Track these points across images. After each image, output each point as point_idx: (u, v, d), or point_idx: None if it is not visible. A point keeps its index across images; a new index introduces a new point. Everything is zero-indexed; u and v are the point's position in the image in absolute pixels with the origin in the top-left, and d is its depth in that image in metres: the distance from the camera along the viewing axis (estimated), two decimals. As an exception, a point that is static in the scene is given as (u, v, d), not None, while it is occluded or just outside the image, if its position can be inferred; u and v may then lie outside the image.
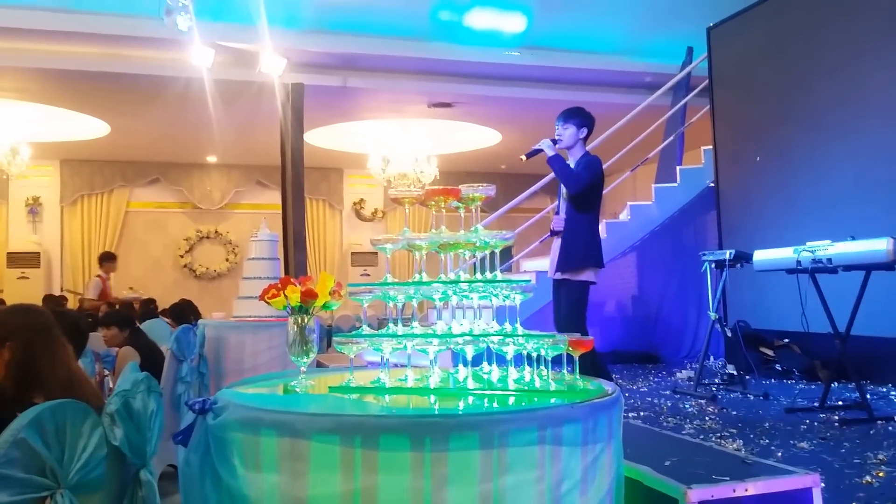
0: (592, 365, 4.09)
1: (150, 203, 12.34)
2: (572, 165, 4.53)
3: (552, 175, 6.18)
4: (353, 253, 13.00)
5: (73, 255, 11.84)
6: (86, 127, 9.75)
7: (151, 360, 4.69)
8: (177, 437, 1.81)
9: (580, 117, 4.51)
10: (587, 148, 4.57)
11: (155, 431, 2.20)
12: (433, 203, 2.02)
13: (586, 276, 4.31)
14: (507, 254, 7.47)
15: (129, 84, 7.84)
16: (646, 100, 7.88)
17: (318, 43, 7.59)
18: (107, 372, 5.26)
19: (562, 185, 4.50)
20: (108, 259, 9.45)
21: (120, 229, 12.05)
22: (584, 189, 4.32)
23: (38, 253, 11.45)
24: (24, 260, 11.33)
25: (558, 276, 4.39)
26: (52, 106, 8.84)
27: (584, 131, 4.50)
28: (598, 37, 8.09)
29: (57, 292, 10.80)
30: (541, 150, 4.43)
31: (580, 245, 4.34)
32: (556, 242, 4.51)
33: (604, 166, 4.57)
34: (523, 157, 4.51)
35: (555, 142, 4.48)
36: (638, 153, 8.10)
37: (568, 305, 4.32)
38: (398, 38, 7.72)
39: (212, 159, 12.11)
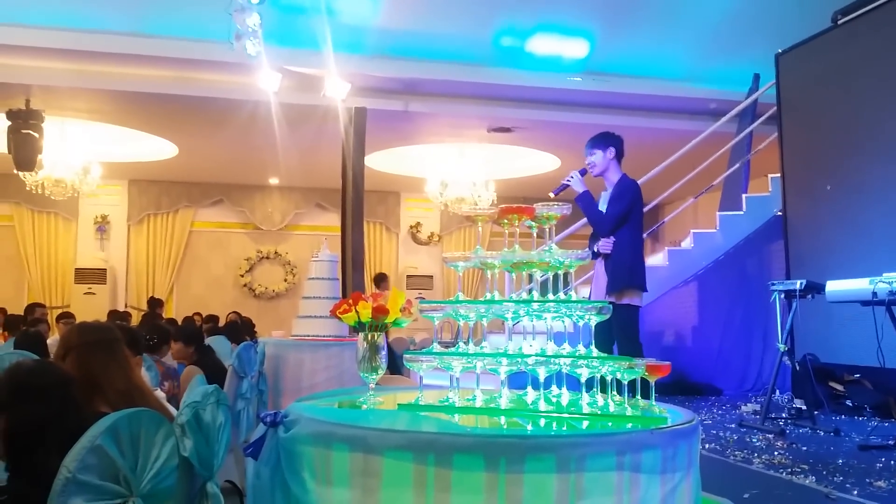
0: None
1: (213, 223, 12.63)
2: (609, 189, 4.53)
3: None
4: (408, 276, 13.06)
5: (138, 272, 12.16)
6: (155, 148, 10.07)
7: (215, 379, 4.76)
8: (247, 450, 1.81)
9: (605, 140, 4.56)
10: (633, 172, 4.57)
11: (223, 444, 2.21)
12: (506, 221, 2.00)
13: (631, 299, 4.31)
14: (564, 281, 7.38)
15: (198, 107, 8.07)
16: (710, 127, 7.75)
17: (381, 68, 7.69)
18: (176, 387, 5.35)
19: (601, 202, 4.53)
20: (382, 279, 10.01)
21: (184, 248, 12.36)
22: (613, 225, 4.38)
23: (105, 269, 11.80)
24: (91, 276, 11.68)
25: (605, 299, 4.36)
26: (124, 127, 9.15)
27: (612, 151, 4.52)
28: (661, 62, 8.02)
29: (121, 308, 11.10)
30: (568, 185, 4.45)
31: (624, 268, 4.36)
32: (599, 267, 4.50)
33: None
34: (552, 194, 4.50)
35: (584, 171, 4.50)
36: (701, 180, 7.95)
37: (620, 332, 4.30)
38: (460, 64, 7.78)
39: (274, 181, 12.36)
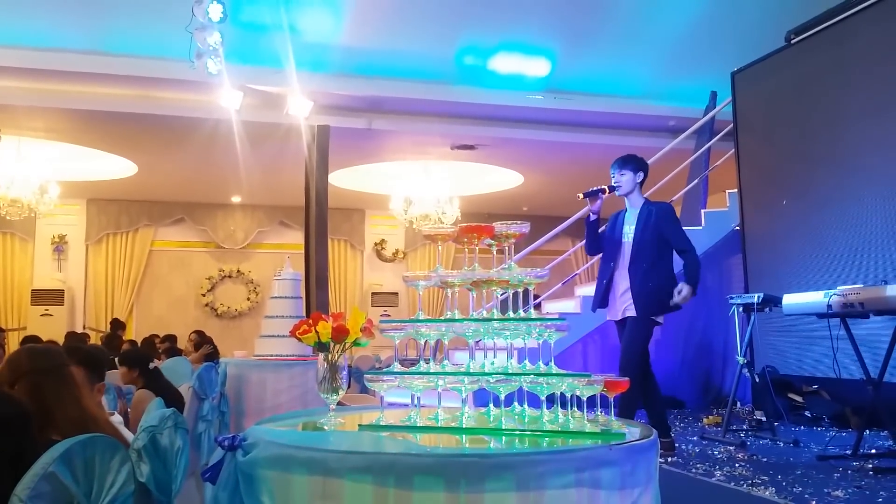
0: (658, 416, 4.20)
1: (175, 242, 12.46)
2: (630, 210, 4.65)
3: (574, 217, 6.20)
4: (373, 293, 13.01)
5: (97, 293, 11.93)
6: (114, 167, 9.92)
7: (169, 402, 4.67)
8: (205, 474, 1.78)
9: (635, 163, 4.65)
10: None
11: (181, 469, 2.18)
12: (466, 240, 2.01)
13: (658, 317, 4.52)
14: (525, 296, 7.42)
15: (158, 125, 7.98)
16: (669, 143, 7.89)
17: (345, 86, 7.70)
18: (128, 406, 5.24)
19: (627, 235, 4.58)
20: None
21: (144, 268, 12.16)
22: (699, 262, 4.56)
23: (63, 290, 11.56)
24: (48, 297, 11.44)
25: (629, 314, 4.48)
26: (81, 146, 9.00)
27: (641, 175, 4.64)
28: (621, 80, 8.15)
29: (80, 329, 10.87)
30: (597, 193, 4.48)
31: (663, 289, 4.47)
32: (622, 284, 4.56)
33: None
34: (581, 196, 4.56)
35: (612, 188, 4.57)
36: (661, 196, 8.04)
37: (629, 341, 4.38)
38: (423, 82, 7.82)
39: (236, 199, 12.25)
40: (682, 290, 4.48)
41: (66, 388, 2.26)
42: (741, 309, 5.65)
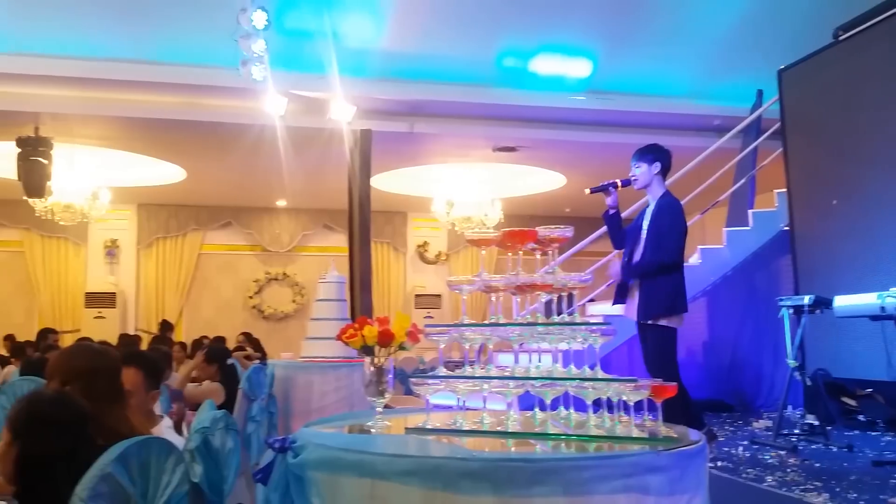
0: (688, 415, 4.04)
1: (222, 246, 12.70)
2: (651, 204, 4.46)
3: (631, 209, 6.10)
4: (416, 295, 13.07)
5: (148, 295, 12.22)
6: (163, 173, 10.16)
7: (234, 398, 4.85)
8: (257, 476, 1.82)
9: (653, 153, 4.44)
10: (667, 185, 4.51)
11: (232, 469, 2.23)
12: (509, 245, 2.02)
13: (669, 321, 4.23)
14: (569, 300, 7.37)
15: (205, 131, 8.15)
16: (715, 143, 7.78)
17: (386, 90, 7.76)
18: (184, 409, 5.37)
19: (644, 229, 4.43)
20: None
21: (193, 271, 12.42)
22: (658, 267, 4.23)
23: (115, 293, 11.87)
24: (101, 300, 11.75)
25: (642, 320, 4.33)
26: (132, 152, 9.24)
27: (658, 166, 4.41)
28: (664, 80, 8.06)
29: (131, 331, 11.14)
30: (607, 188, 4.39)
31: (668, 291, 4.23)
32: (635, 282, 4.42)
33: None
34: (588, 191, 4.48)
35: (627, 182, 4.44)
36: (707, 196, 7.96)
37: (656, 352, 4.24)
38: (464, 85, 7.84)
39: (281, 203, 12.43)
40: (615, 266, 4.38)
41: (115, 392, 2.31)
42: (791, 311, 5.54)
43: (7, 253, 11.91)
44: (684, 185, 7.63)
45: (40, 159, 7.61)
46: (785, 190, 7.22)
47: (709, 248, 7.58)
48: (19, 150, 7.61)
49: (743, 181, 7.79)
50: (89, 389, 2.21)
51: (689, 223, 8.58)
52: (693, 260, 7.61)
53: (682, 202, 4.58)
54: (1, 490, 2.28)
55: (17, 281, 11.88)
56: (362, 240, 7.98)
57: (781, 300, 5.63)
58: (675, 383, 1.81)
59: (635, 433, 1.77)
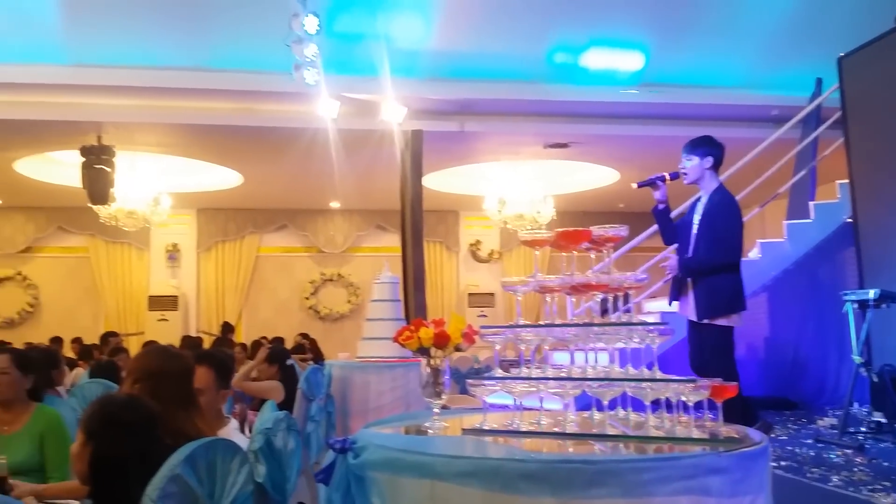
0: (742, 412, 3.95)
1: (279, 248, 12.94)
2: (703, 199, 4.36)
3: (673, 214, 6.00)
4: (470, 294, 13.09)
5: (208, 298, 12.54)
6: (221, 177, 10.41)
7: (294, 398, 4.96)
8: (319, 476, 1.86)
9: (705, 146, 4.31)
10: (721, 178, 4.40)
11: (294, 469, 2.28)
12: (563, 245, 2.02)
13: (730, 320, 4.14)
14: (625, 297, 7.27)
15: (261, 136, 8.31)
16: (773, 134, 7.57)
17: (437, 90, 7.79)
18: (245, 408, 5.50)
19: (695, 224, 4.33)
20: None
21: (251, 273, 12.69)
22: (718, 264, 4.12)
23: (177, 296, 12.20)
24: (163, 303, 12.09)
25: (699, 319, 4.23)
26: (191, 158, 9.49)
27: (710, 160, 4.28)
28: (719, 71, 7.90)
29: (193, 333, 11.43)
30: (654, 182, 4.29)
31: (725, 290, 4.14)
32: (689, 279, 4.33)
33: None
34: (634, 185, 4.41)
35: (676, 175, 4.33)
36: (766, 189, 7.77)
37: (714, 352, 4.14)
38: (514, 82, 7.82)
39: (335, 205, 12.59)
40: (670, 262, 4.28)
41: (183, 394, 2.39)
42: (856, 305, 5.37)
43: (74, 259, 12.36)
44: (742, 178, 7.47)
45: (103, 167, 7.87)
46: (847, 181, 6.99)
47: (769, 242, 7.39)
48: (83, 158, 7.89)
49: (803, 172, 7.57)
50: (158, 390, 2.29)
51: (747, 217, 8.42)
52: (752, 254, 7.44)
53: (737, 195, 4.48)
54: (75, 494, 2.37)
55: (83, 286, 12.31)
56: (415, 240, 8.04)
57: (845, 294, 5.47)
58: (734, 383, 1.78)
59: (695, 434, 1.75)
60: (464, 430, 1.98)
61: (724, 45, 7.51)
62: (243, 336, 11.97)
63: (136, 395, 2.19)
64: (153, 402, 2.15)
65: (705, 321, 4.19)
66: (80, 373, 7.25)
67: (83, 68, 7.12)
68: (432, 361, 2.04)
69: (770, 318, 7.62)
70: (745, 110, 8.15)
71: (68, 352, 9.43)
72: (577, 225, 2.07)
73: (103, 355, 7.68)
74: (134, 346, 10.50)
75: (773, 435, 4.28)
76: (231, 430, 2.77)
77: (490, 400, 1.99)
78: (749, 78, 7.91)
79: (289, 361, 5.88)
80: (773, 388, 7.30)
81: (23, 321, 12.13)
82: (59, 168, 9.58)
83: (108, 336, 9.16)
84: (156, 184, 10.05)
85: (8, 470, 2.70)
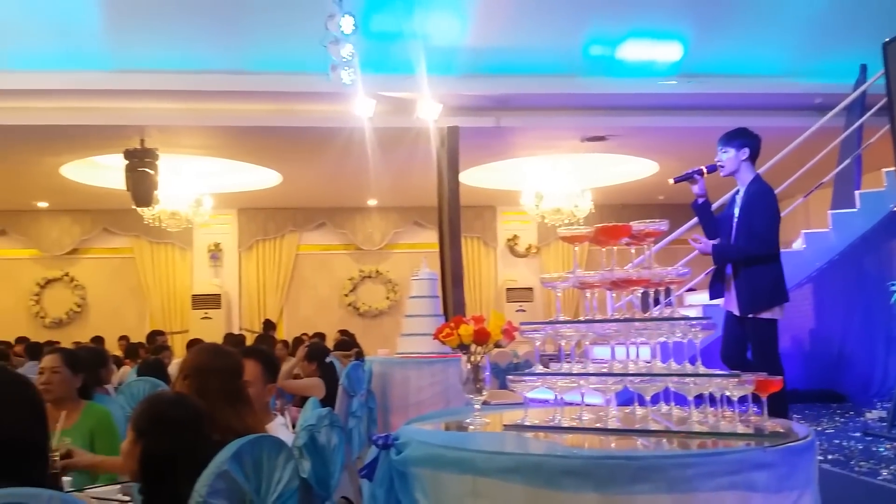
0: (780, 405, 3.87)
1: (318, 246, 13.07)
2: (741, 191, 4.32)
3: (716, 205, 5.92)
4: (508, 289, 13.07)
5: (250, 296, 12.72)
6: (261, 178, 10.55)
7: (335, 394, 5.02)
8: (362, 472, 1.88)
9: (741, 138, 4.28)
10: (758, 171, 4.34)
11: (338, 464, 2.31)
12: (603, 240, 2.01)
13: (773, 313, 4.08)
14: (666, 291, 7.19)
15: (299, 136, 8.40)
16: (816, 122, 7.41)
17: (472, 86, 7.78)
18: (285, 405, 5.58)
19: (735, 216, 4.28)
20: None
21: (291, 271, 12.84)
22: (751, 255, 4.08)
23: (219, 295, 12.40)
24: (207, 301, 12.30)
25: (742, 314, 4.17)
26: (232, 160, 9.64)
27: (746, 152, 4.25)
28: (760, 59, 7.75)
29: (236, 331, 11.61)
30: (692, 176, 4.26)
31: (767, 283, 4.08)
32: (730, 273, 4.28)
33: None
34: (672, 181, 4.38)
35: (713, 168, 4.30)
36: (810, 178, 7.61)
37: (758, 346, 4.09)
38: (550, 76, 7.77)
39: (372, 203, 12.67)
40: (701, 240, 4.19)
41: (231, 391, 2.44)
42: (904, 296, 5.25)
43: (119, 259, 12.64)
44: (785, 168, 7.34)
45: (147, 170, 8.03)
46: (894, 168, 6.82)
47: (813, 233, 7.24)
48: (127, 161, 8.05)
49: (848, 161, 7.40)
50: (207, 386, 2.35)
51: (791, 206, 8.31)
52: (797, 245, 7.31)
53: (780, 186, 4.41)
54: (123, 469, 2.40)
55: (129, 286, 12.59)
56: (452, 236, 8.06)
57: (893, 285, 5.35)
58: (779, 377, 1.76)
59: (740, 429, 1.73)
60: (505, 425, 1.98)
61: (765, 32, 7.37)
62: (284, 333, 12.11)
63: (185, 393, 2.24)
64: (203, 398, 2.21)
65: (749, 316, 4.12)
66: (127, 371, 7.42)
67: (125, 74, 7.27)
68: (472, 358, 2.05)
69: (815, 309, 7.48)
70: (788, 99, 7.99)
71: (114, 350, 9.65)
72: (616, 218, 2.07)
73: (149, 353, 7.84)
74: (178, 344, 10.72)
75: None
76: (278, 426, 2.82)
77: (530, 395, 1.99)
78: (791, 66, 7.75)
79: (328, 358, 5.95)
80: (819, 380, 7.17)
81: (71, 321, 12.45)
82: (104, 171, 9.80)
83: (154, 335, 9.36)
84: (197, 185, 10.22)
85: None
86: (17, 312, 12.28)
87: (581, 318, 1.97)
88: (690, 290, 7.75)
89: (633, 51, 7.72)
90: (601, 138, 8.92)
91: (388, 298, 13.08)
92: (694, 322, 1.83)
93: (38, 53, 7.04)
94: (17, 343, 9.91)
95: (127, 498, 2.65)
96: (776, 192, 4.49)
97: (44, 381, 3.28)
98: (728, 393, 1.77)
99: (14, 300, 12.34)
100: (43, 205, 11.96)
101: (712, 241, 4.23)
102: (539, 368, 2.01)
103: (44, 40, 6.95)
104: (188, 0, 6.88)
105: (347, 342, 9.12)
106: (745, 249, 4.14)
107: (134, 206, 8.67)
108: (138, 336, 10.77)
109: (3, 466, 1.58)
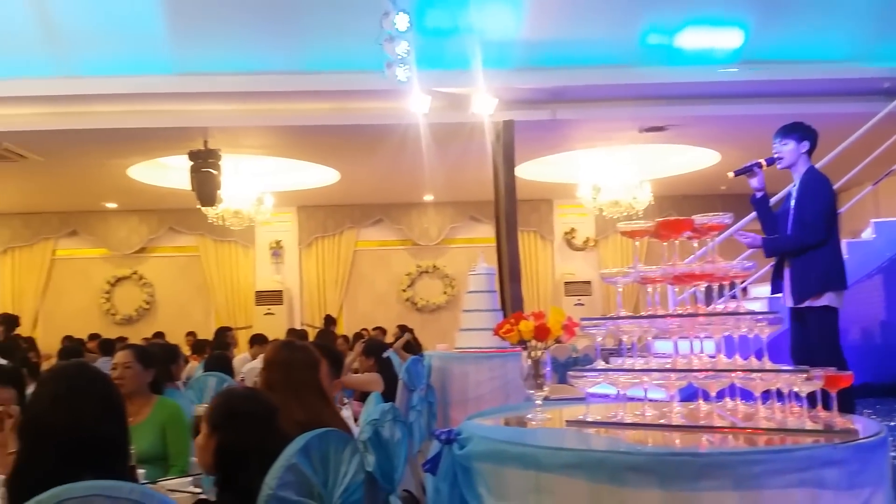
0: (846, 399, 3.76)
1: (375, 242, 13.21)
2: (797, 183, 4.25)
3: (780, 195, 5.78)
4: (566, 283, 12.98)
5: (311, 292, 12.94)
6: (319, 176, 10.71)
7: (393, 389, 5.08)
8: (426, 466, 1.91)
9: (799, 131, 4.25)
10: (813, 163, 4.26)
11: (402, 458, 2.35)
12: (664, 234, 1.99)
13: (828, 300, 3.98)
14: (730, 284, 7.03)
15: (355, 134, 8.50)
16: (885, 107, 7.16)
17: (527, 80, 7.74)
18: (346, 400, 5.66)
19: (791, 208, 4.21)
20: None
21: (349, 267, 13.01)
22: (800, 245, 4.01)
23: (281, 291, 12.65)
24: (269, 298, 12.57)
25: (796, 304, 4.08)
26: (291, 158, 9.82)
27: (806, 145, 4.22)
28: (824, 44, 7.51)
29: (297, 326, 11.83)
30: (751, 169, 4.22)
31: (819, 268, 4.00)
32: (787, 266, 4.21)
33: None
34: (731, 174, 4.32)
35: (772, 160, 4.24)
36: (879, 166, 7.35)
37: (818, 338, 3.99)
38: (606, 67, 7.67)
39: (428, 198, 12.73)
40: (748, 235, 4.15)
41: (310, 383, 2.51)
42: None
43: (185, 258, 13.02)
44: (852, 155, 7.10)
45: (210, 170, 8.23)
46: (970, 153, 6.55)
47: (884, 222, 6.99)
48: (191, 162, 8.27)
49: (919, 146, 7.13)
50: (278, 379, 2.43)
51: (860, 195, 8.03)
52: (866, 234, 7.07)
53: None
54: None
55: (195, 283, 12.95)
56: (509, 230, 8.05)
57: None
58: (849, 372, 1.72)
59: (809, 425, 1.70)
60: (567, 421, 1.99)
61: (829, 15, 7.14)
62: (344, 328, 12.29)
63: (252, 388, 2.31)
64: (274, 391, 2.29)
65: (805, 304, 4.04)
66: (195, 366, 7.64)
67: (188, 77, 7.47)
68: (532, 353, 2.06)
69: (887, 301, 7.23)
70: (854, 84, 7.72)
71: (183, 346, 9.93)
72: (676, 209, 2.05)
73: (214, 349, 8.04)
74: (242, 340, 10.97)
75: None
76: (344, 418, 2.88)
77: (592, 389, 1.99)
78: (857, 49, 7.48)
79: (385, 353, 6.01)
80: (891, 374, 6.93)
81: (140, 318, 12.87)
82: (170, 172, 10.11)
83: (223, 331, 9.60)
84: (259, 184, 10.44)
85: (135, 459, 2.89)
86: (90, 310, 12.77)
87: (643, 314, 1.96)
88: (756, 282, 7.57)
89: (692, 38, 7.57)
90: (660, 128, 8.77)
91: (445, 293, 13.13)
92: (760, 317, 1.80)
93: (106, 60, 7.29)
94: (90, 340, 10.31)
95: (198, 490, 2.75)
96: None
97: (117, 375, 3.39)
98: (796, 389, 1.73)
99: (87, 298, 12.83)
100: (112, 205, 12.40)
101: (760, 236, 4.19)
102: (600, 364, 2.00)
103: (111, 47, 7.19)
104: (246, 4, 7.03)
105: (411, 344, 9.19)
106: (793, 239, 4.09)
107: (198, 206, 8.90)
108: (204, 332, 11.07)
109: (86, 460, 1.66)
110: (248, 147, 9.12)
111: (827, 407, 1.79)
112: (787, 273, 4.18)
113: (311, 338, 9.93)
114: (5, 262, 12.77)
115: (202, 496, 2.39)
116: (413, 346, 8.71)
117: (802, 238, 4.05)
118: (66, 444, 1.68)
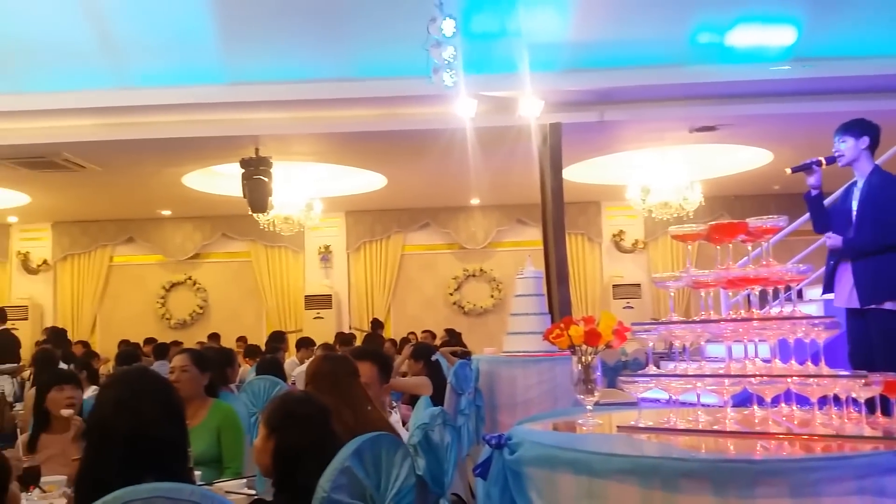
0: None
1: (422, 246, 13.27)
2: (859, 182, 4.16)
3: (835, 195, 5.64)
4: (614, 286, 12.85)
5: (359, 296, 13.07)
6: (367, 181, 10.82)
7: (441, 392, 5.09)
8: (476, 470, 1.92)
9: (859, 127, 4.18)
10: (877, 161, 4.16)
11: (451, 462, 2.37)
12: (717, 238, 1.96)
13: (895, 303, 3.89)
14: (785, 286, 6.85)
15: (402, 139, 8.56)
16: (947, 102, 6.93)
17: (575, 81, 7.68)
18: (394, 404, 5.70)
19: (854, 210, 4.12)
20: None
21: (397, 271, 13.10)
22: (881, 246, 3.93)
23: (330, 295, 12.80)
24: (318, 302, 12.73)
25: (863, 305, 3.99)
26: (339, 164, 9.94)
27: (866, 140, 4.14)
28: (881, 39, 7.28)
29: (346, 330, 11.96)
30: (809, 166, 4.15)
31: (891, 271, 3.91)
32: (847, 265, 4.11)
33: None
34: (789, 171, 4.24)
35: (832, 159, 4.17)
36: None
37: (882, 339, 3.89)
38: (655, 67, 7.57)
39: (475, 202, 12.74)
40: (832, 237, 4.05)
41: (354, 391, 2.56)
42: None
43: (237, 263, 13.29)
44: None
45: (262, 177, 8.38)
46: None
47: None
48: (243, 170, 8.44)
49: None
50: (330, 388, 2.49)
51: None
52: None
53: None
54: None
55: (247, 287, 13.20)
56: (557, 233, 8.00)
57: None
58: (912, 379, 1.68)
59: (867, 432, 1.66)
60: (619, 427, 1.98)
61: (885, 9, 6.93)
62: (392, 332, 12.37)
63: (306, 391, 2.36)
64: (330, 399, 2.33)
65: (872, 306, 3.94)
66: (247, 369, 7.78)
67: (239, 86, 7.62)
68: (583, 358, 2.05)
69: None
70: (913, 79, 7.48)
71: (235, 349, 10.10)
72: (728, 209, 2.02)
73: (267, 353, 8.17)
74: (291, 343, 11.12)
75: None
76: (393, 423, 2.91)
77: (642, 395, 1.97)
78: (916, 43, 7.25)
79: (434, 357, 6.03)
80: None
81: (194, 322, 13.17)
82: (222, 180, 10.32)
83: (276, 335, 9.76)
84: (308, 190, 10.59)
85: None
86: (145, 315, 13.12)
87: (696, 319, 1.94)
88: (811, 284, 7.38)
89: (744, 36, 7.42)
90: (711, 128, 8.63)
91: (492, 297, 13.12)
92: (817, 321, 1.77)
93: (160, 71, 7.49)
94: (146, 344, 10.58)
95: (252, 491, 2.80)
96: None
97: (174, 379, 3.47)
98: (854, 394, 1.69)
99: (143, 303, 13.18)
100: (166, 213, 12.73)
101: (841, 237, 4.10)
102: (652, 369, 1.99)
103: (165, 58, 7.38)
104: (294, 13, 7.14)
105: (463, 353, 9.21)
106: (874, 240, 4.00)
107: (250, 212, 9.07)
108: (256, 335, 11.26)
109: (148, 462, 1.72)
110: (298, 154, 9.26)
111: (886, 413, 1.75)
112: (847, 274, 4.09)
113: (360, 341, 10.03)
114: (65, 269, 13.21)
115: (257, 497, 2.44)
116: (459, 354, 8.73)
117: (884, 238, 3.98)
118: (129, 447, 1.74)
